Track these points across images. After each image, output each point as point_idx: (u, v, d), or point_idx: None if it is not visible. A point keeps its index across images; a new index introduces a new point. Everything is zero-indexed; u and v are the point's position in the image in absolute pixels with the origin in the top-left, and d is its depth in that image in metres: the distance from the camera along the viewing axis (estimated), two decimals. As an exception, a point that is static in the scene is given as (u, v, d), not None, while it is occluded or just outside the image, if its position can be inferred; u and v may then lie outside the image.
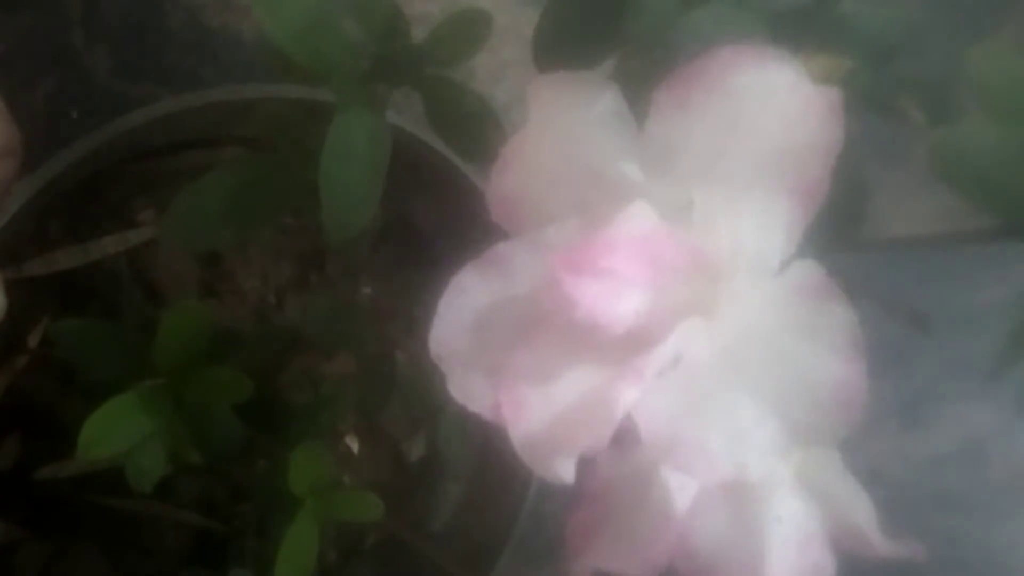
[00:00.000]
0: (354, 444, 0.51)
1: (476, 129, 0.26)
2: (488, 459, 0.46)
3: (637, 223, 0.23)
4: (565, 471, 0.22)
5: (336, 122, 0.25)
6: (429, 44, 0.26)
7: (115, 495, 0.44)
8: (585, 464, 0.23)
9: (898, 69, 0.24)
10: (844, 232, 0.26)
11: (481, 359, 0.25)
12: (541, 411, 0.24)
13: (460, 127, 0.26)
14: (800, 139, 0.22)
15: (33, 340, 0.41)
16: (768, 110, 0.22)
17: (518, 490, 0.45)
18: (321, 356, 0.46)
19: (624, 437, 0.23)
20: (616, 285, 0.23)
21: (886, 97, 0.24)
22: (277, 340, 0.38)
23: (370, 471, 0.51)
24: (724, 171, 0.23)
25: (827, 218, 0.24)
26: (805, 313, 0.22)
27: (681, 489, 0.25)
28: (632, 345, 0.23)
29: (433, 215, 0.42)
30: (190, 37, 0.57)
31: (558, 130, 0.25)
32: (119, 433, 0.30)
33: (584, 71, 0.25)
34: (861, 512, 0.26)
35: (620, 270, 0.23)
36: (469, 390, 0.24)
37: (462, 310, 0.25)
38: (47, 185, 0.33)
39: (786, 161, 0.22)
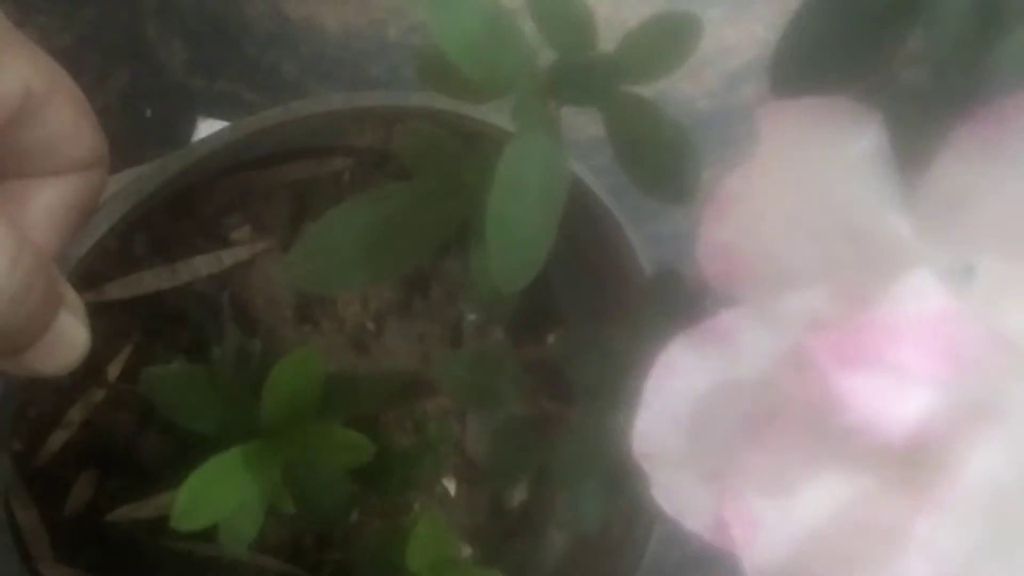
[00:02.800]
0: (451, 485, 0.46)
1: (672, 163, 0.21)
2: (609, 515, 0.41)
3: (925, 300, 0.18)
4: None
5: (510, 149, 0.20)
6: (624, 55, 0.21)
7: (194, 539, 0.39)
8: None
9: None
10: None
11: (699, 460, 0.20)
12: (783, 532, 0.19)
13: (652, 159, 0.21)
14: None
15: (113, 372, 0.36)
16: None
17: (633, 551, 0.40)
18: (423, 392, 0.41)
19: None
20: (901, 381, 0.17)
21: None
22: (389, 384, 0.33)
23: (467, 515, 0.46)
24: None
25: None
26: None
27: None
28: (904, 453, 0.18)
29: (571, 263, 0.36)
30: (271, 29, 0.53)
31: (802, 170, 0.20)
32: (220, 499, 0.26)
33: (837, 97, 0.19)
34: None
35: (909, 363, 0.17)
36: (682, 499, 0.19)
37: (674, 396, 0.20)
38: (139, 203, 0.29)
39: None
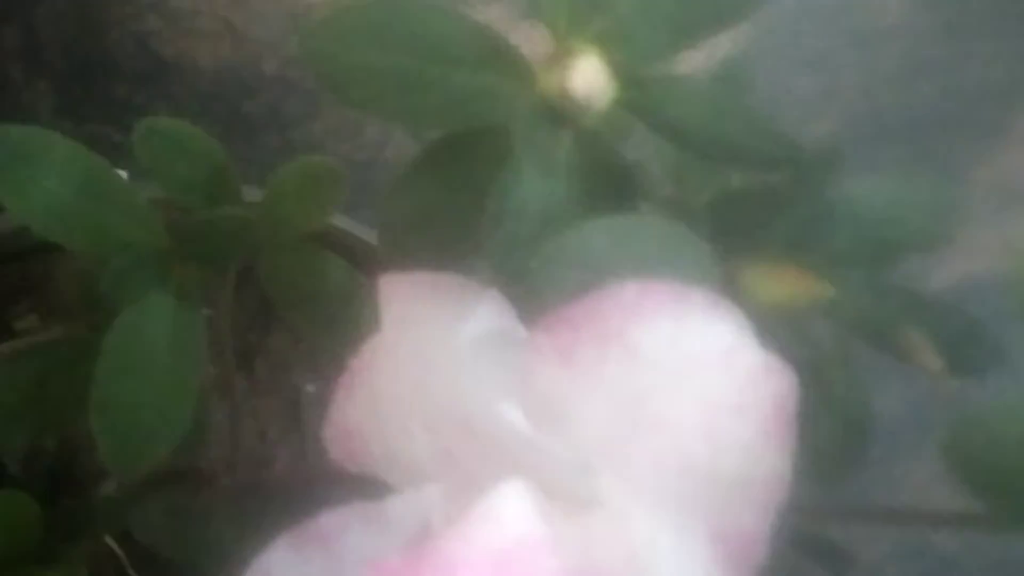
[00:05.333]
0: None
1: (339, 309, 0.19)
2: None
3: (503, 525, 0.16)
4: None
5: (122, 319, 0.18)
6: (266, 207, 0.19)
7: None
8: None
9: (908, 287, 0.16)
10: (830, 482, 0.19)
11: None
12: None
13: (314, 306, 0.19)
14: (722, 454, 0.14)
15: None
16: (685, 392, 0.15)
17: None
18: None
19: None
20: (458, 623, 0.16)
21: (890, 330, 0.16)
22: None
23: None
24: (628, 461, 0.16)
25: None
26: None
27: None
28: None
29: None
30: (141, 68, 0.51)
31: (418, 351, 0.18)
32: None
33: (451, 270, 0.17)
34: None
35: (461, 605, 0.15)
36: None
37: (267, 608, 0.18)
38: None
39: (707, 488, 0.14)
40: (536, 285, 0.15)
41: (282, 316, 0.25)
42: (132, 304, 0.18)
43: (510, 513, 0.16)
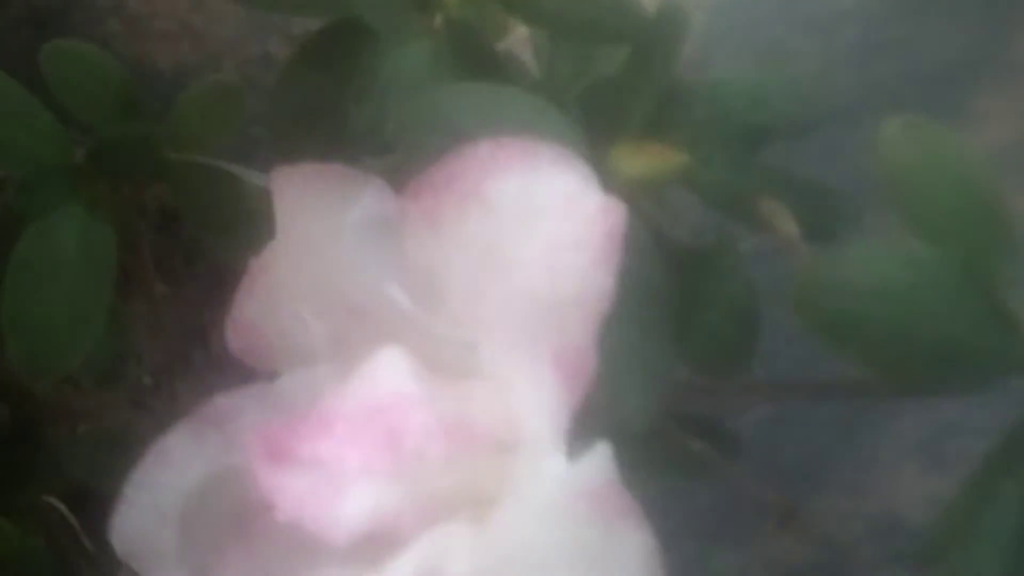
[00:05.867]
0: None
1: (240, 222, 0.20)
2: None
3: (378, 382, 0.17)
4: None
5: (31, 230, 0.19)
6: (171, 126, 0.20)
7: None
8: None
9: (768, 159, 0.17)
10: (724, 373, 0.20)
11: (190, 559, 0.18)
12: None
13: (219, 221, 0.20)
14: (561, 284, 0.15)
15: None
16: (533, 236, 0.16)
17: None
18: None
19: None
20: (334, 478, 0.16)
21: (748, 199, 0.17)
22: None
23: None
24: (492, 315, 0.17)
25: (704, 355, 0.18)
26: (589, 535, 0.15)
27: None
28: (376, 551, 0.17)
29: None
30: (101, 71, 0.52)
31: (308, 241, 0.19)
32: None
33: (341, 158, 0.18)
34: None
35: (337, 457, 0.16)
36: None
37: (164, 490, 0.18)
38: None
39: (547, 316, 0.15)
40: (402, 154, 0.16)
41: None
42: (39, 219, 0.19)
43: (386, 373, 0.17)
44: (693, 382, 0.19)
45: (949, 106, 0.50)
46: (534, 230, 0.16)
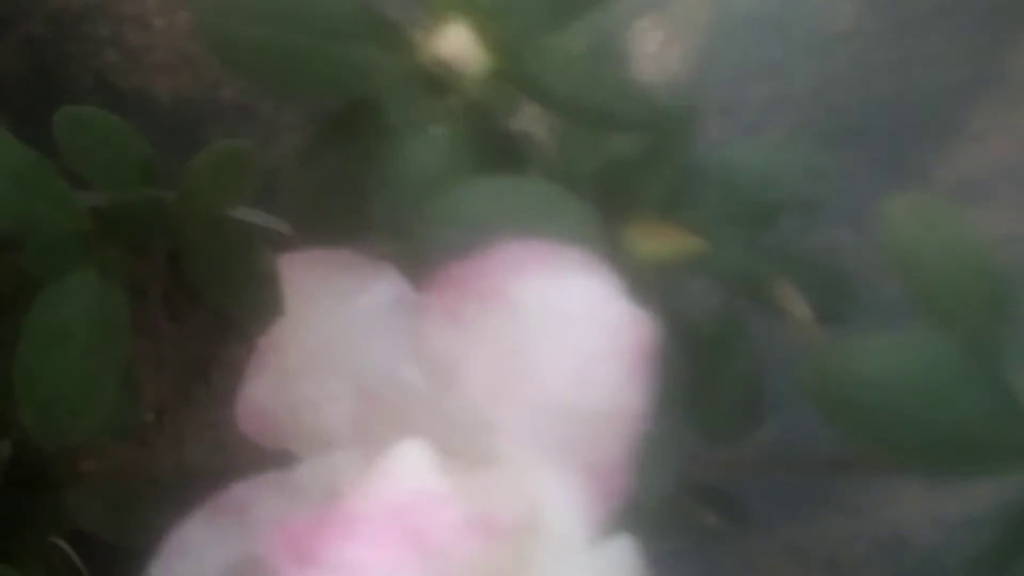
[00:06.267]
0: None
1: (253, 280, 0.20)
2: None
3: (400, 480, 0.17)
4: None
5: (44, 296, 0.19)
6: (184, 190, 0.20)
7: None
8: None
9: (778, 240, 0.18)
10: (732, 441, 0.20)
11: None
12: None
13: (233, 280, 0.20)
14: (592, 396, 0.15)
15: None
16: (560, 342, 0.16)
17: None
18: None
19: None
20: (359, 577, 0.16)
21: (760, 281, 0.17)
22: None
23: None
24: (514, 415, 0.17)
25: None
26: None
27: None
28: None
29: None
30: (99, 102, 0.52)
31: (319, 325, 0.19)
32: None
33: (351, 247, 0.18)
34: None
35: (363, 560, 0.16)
36: None
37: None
38: None
39: (578, 426, 0.15)
40: (423, 247, 0.16)
41: (238, 326, 0.26)
42: (51, 286, 0.19)
43: (408, 468, 0.17)
44: (702, 454, 0.19)
45: (948, 125, 0.50)
46: (561, 336, 0.16)
